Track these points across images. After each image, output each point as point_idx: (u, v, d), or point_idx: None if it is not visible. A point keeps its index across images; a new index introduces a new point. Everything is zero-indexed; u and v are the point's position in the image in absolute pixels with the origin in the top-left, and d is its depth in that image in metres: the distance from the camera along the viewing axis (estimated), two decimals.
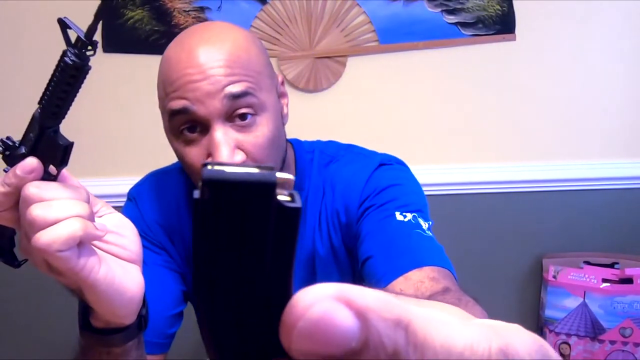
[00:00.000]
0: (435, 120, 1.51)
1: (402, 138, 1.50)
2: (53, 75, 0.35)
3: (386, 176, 0.66)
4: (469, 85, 1.49)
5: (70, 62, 0.34)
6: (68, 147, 0.38)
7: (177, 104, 0.56)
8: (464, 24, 1.43)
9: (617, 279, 1.49)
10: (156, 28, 1.37)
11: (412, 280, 0.54)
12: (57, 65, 0.34)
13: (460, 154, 1.53)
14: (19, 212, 0.38)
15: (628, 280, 1.48)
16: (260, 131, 0.59)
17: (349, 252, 0.70)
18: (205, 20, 1.36)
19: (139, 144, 1.44)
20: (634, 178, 1.57)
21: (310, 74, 1.37)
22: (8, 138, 0.41)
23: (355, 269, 0.69)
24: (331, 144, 0.76)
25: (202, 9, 1.35)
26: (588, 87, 1.51)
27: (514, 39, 1.43)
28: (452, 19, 1.41)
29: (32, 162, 0.37)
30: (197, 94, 0.55)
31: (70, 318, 0.53)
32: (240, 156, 0.58)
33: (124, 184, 1.44)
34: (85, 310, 0.44)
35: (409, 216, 0.61)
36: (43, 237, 0.35)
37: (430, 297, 0.50)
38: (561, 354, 1.54)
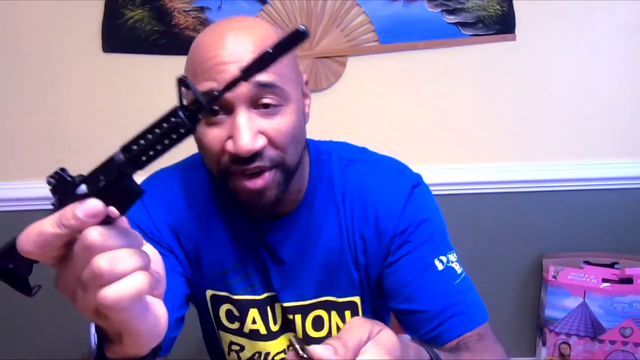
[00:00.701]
0: (435, 120, 1.52)
1: (402, 138, 1.51)
2: (154, 127, 0.34)
3: (420, 206, 0.69)
4: (469, 85, 1.50)
5: (181, 122, 0.33)
6: (139, 194, 0.37)
7: (205, 85, 0.57)
8: (464, 24, 1.43)
9: (617, 279, 1.50)
10: (156, 28, 1.39)
11: (464, 340, 0.64)
12: (163, 120, 0.34)
13: (461, 154, 1.54)
14: (62, 251, 0.35)
15: (628, 280, 1.49)
16: (283, 120, 0.59)
17: (362, 266, 0.70)
18: (206, 20, 1.37)
19: None
20: (634, 178, 1.58)
21: (310, 74, 1.38)
22: (63, 170, 0.39)
23: (359, 271, 0.70)
24: (346, 145, 0.76)
25: (202, 9, 1.37)
26: (588, 86, 1.52)
27: (514, 39, 1.44)
28: (452, 19, 1.42)
29: (97, 205, 0.34)
30: (225, 75, 0.56)
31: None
32: (262, 141, 0.58)
33: None
34: (102, 343, 0.42)
35: (445, 260, 0.67)
36: (110, 293, 0.33)
37: (465, 342, 0.62)
38: (561, 354, 1.55)
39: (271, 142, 0.59)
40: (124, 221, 0.37)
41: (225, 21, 0.62)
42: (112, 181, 0.35)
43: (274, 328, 0.72)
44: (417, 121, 1.51)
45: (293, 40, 0.31)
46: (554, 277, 1.51)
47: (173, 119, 0.33)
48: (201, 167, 0.70)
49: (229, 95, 0.53)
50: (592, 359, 1.53)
